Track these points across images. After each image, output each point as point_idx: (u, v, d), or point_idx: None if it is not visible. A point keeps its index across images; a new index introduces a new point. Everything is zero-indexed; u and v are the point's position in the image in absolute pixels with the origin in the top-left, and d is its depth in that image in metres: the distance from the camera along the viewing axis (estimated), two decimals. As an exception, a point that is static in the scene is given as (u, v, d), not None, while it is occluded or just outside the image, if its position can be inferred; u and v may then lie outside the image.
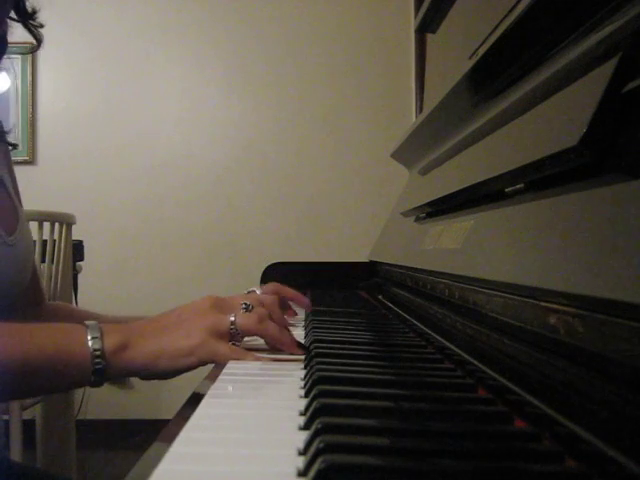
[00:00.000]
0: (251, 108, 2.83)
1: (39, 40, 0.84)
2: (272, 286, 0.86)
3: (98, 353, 0.56)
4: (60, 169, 2.79)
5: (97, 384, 0.57)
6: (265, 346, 0.66)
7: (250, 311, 0.63)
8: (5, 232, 0.72)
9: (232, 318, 0.60)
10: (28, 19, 0.80)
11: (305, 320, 0.88)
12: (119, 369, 0.57)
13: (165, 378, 0.60)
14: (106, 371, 0.56)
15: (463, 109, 0.84)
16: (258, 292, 0.83)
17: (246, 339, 0.68)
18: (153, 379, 0.60)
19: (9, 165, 0.83)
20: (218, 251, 2.78)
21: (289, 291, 0.87)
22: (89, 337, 0.56)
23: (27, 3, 0.78)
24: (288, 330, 0.66)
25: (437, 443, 0.35)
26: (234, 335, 0.61)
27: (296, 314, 0.93)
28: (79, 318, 0.85)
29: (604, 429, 0.31)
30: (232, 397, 0.47)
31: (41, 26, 0.81)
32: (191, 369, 0.59)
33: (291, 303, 0.92)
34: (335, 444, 0.32)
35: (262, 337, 0.64)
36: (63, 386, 0.59)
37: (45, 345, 0.56)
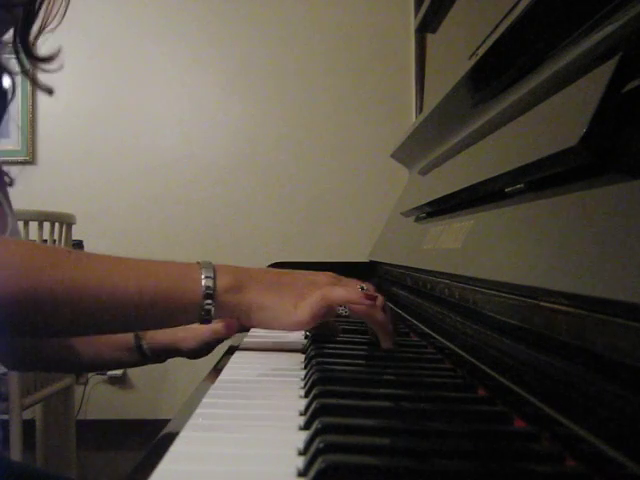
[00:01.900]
0: (252, 108, 2.82)
1: (50, 91, 0.83)
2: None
3: (210, 292, 0.55)
4: (60, 169, 2.78)
5: (206, 322, 0.56)
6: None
7: (366, 291, 0.62)
8: None
9: (344, 293, 0.59)
10: (36, 63, 0.77)
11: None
12: (227, 309, 0.56)
13: (265, 328, 0.59)
14: (215, 310, 0.55)
15: (463, 109, 0.84)
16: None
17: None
18: (255, 327, 0.59)
19: None
20: (218, 251, 2.78)
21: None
22: (203, 275, 0.56)
23: (36, 36, 0.74)
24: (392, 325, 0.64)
25: (437, 443, 0.35)
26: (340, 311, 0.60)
27: None
28: None
29: (604, 429, 0.31)
30: (232, 397, 0.47)
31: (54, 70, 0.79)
32: (286, 328, 0.59)
33: None
34: (335, 444, 0.32)
35: (368, 321, 0.62)
36: (172, 322, 0.58)
37: (159, 280, 0.55)
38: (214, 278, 0.56)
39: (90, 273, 0.52)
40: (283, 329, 0.59)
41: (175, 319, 0.58)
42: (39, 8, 0.74)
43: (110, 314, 0.53)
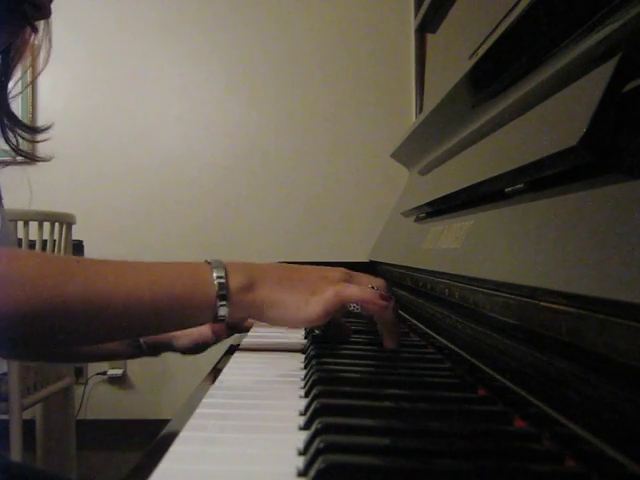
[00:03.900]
0: (251, 108, 2.82)
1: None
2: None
3: (223, 292, 0.55)
4: (60, 169, 2.78)
5: (220, 322, 0.56)
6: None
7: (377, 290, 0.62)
8: None
9: (358, 291, 0.59)
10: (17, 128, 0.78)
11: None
12: (240, 308, 0.56)
13: (277, 325, 0.59)
14: (229, 310, 0.55)
15: (463, 109, 0.84)
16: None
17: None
18: (268, 322, 0.60)
19: None
20: (218, 251, 2.77)
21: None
22: (215, 276, 0.56)
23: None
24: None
25: (437, 443, 0.35)
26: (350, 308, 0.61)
27: None
28: None
29: (604, 429, 0.31)
30: (232, 397, 0.47)
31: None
32: (299, 325, 0.59)
33: None
34: (335, 444, 0.32)
35: (378, 320, 0.62)
36: (187, 324, 0.59)
37: (172, 284, 0.55)
38: (226, 278, 0.56)
39: (103, 282, 0.52)
40: (295, 325, 0.59)
41: (190, 321, 0.58)
42: (13, 66, 0.75)
43: (125, 321, 0.53)
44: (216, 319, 0.56)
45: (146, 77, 2.83)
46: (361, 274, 0.64)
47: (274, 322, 0.59)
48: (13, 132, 0.77)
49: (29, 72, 0.77)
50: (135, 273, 0.54)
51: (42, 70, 0.77)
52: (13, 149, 0.79)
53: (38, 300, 0.48)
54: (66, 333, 0.52)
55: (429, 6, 1.21)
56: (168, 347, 0.80)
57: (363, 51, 2.82)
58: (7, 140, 0.78)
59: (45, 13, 0.69)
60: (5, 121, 0.76)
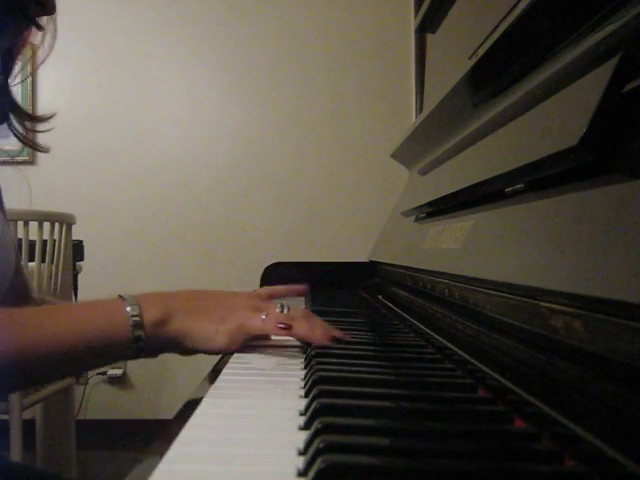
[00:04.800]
0: (251, 108, 2.82)
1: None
2: (264, 291, 0.86)
3: (138, 328, 0.57)
4: (60, 169, 2.78)
5: (134, 358, 0.59)
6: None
7: (288, 312, 0.64)
8: None
9: (263, 316, 0.62)
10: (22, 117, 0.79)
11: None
12: (156, 342, 0.59)
13: (191, 354, 0.63)
14: (145, 345, 0.58)
15: (463, 109, 0.84)
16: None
17: None
18: (183, 354, 0.63)
19: None
20: (218, 251, 2.78)
21: (280, 289, 0.86)
22: (129, 312, 0.57)
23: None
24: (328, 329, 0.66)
25: (437, 443, 0.35)
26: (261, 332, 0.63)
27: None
28: None
29: (604, 429, 0.31)
30: (232, 397, 0.47)
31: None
32: (213, 353, 0.62)
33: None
34: (335, 444, 0.32)
35: (295, 338, 0.66)
36: (111, 359, 0.62)
37: (89, 324, 0.57)
38: (140, 313, 0.58)
39: (23, 332, 0.55)
40: (209, 353, 0.62)
41: (112, 358, 0.61)
42: (16, 54, 0.75)
43: (55, 363, 0.56)
44: (137, 352, 0.58)
45: (147, 77, 2.83)
46: (270, 303, 0.67)
47: (191, 351, 0.62)
48: (19, 122, 0.78)
49: (31, 61, 0.77)
50: (55, 320, 0.57)
51: (46, 58, 0.78)
52: (20, 139, 0.80)
53: None
54: (6, 381, 0.57)
55: (429, 6, 1.22)
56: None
57: (363, 51, 2.82)
58: (12, 129, 0.78)
59: (49, 10, 0.69)
60: (10, 111, 0.76)
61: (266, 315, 0.62)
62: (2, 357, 0.53)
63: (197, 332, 0.60)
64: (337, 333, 0.66)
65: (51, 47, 0.77)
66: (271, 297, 0.83)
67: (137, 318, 0.57)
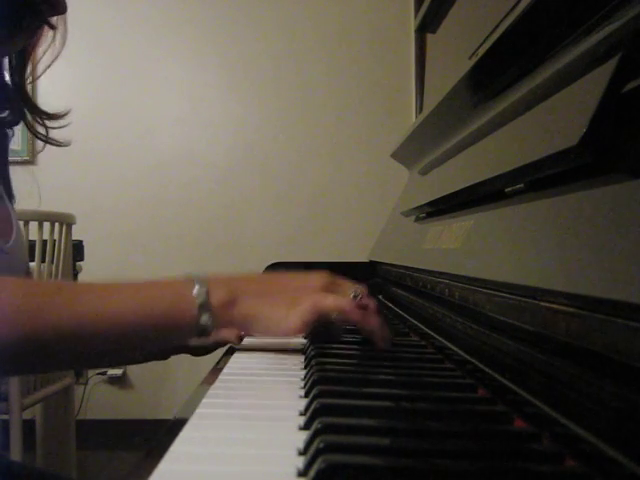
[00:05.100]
0: (251, 108, 2.82)
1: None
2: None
3: (206, 309, 0.55)
4: (60, 169, 2.78)
5: (204, 337, 0.56)
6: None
7: (359, 298, 0.62)
8: (2, 240, 0.72)
9: (335, 302, 0.59)
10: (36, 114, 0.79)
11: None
12: (223, 323, 0.57)
13: (263, 335, 0.60)
14: (212, 326, 0.56)
15: (463, 109, 0.84)
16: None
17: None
18: (253, 334, 0.60)
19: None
20: (218, 251, 2.78)
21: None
22: (197, 292, 0.55)
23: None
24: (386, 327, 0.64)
25: (437, 443, 0.35)
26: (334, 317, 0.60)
27: None
28: None
29: (604, 429, 0.31)
30: (232, 397, 0.47)
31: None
32: (283, 337, 0.60)
33: None
34: (335, 444, 0.32)
35: (360, 327, 0.62)
36: (172, 342, 0.60)
37: (155, 304, 0.55)
38: (208, 294, 0.56)
39: (86, 307, 0.52)
40: (278, 337, 0.61)
41: (174, 339, 0.59)
42: (29, 53, 0.76)
43: (111, 344, 0.54)
44: (200, 335, 0.56)
45: (147, 77, 2.83)
46: (343, 281, 0.64)
47: (257, 334, 0.61)
48: (35, 120, 0.78)
49: (48, 54, 0.78)
50: (118, 294, 0.55)
51: (58, 55, 0.78)
52: (39, 137, 0.81)
53: (25, 328, 0.49)
54: (55, 358, 0.54)
55: (429, 6, 1.22)
56: (183, 348, 0.79)
57: (363, 51, 2.82)
58: (30, 128, 0.79)
59: (60, 9, 0.70)
60: (27, 109, 0.77)
61: (339, 297, 0.59)
62: (56, 330, 0.50)
63: (267, 315, 0.58)
64: (388, 338, 0.63)
65: (62, 45, 0.77)
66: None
67: (204, 297, 0.55)
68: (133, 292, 0.56)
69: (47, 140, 0.83)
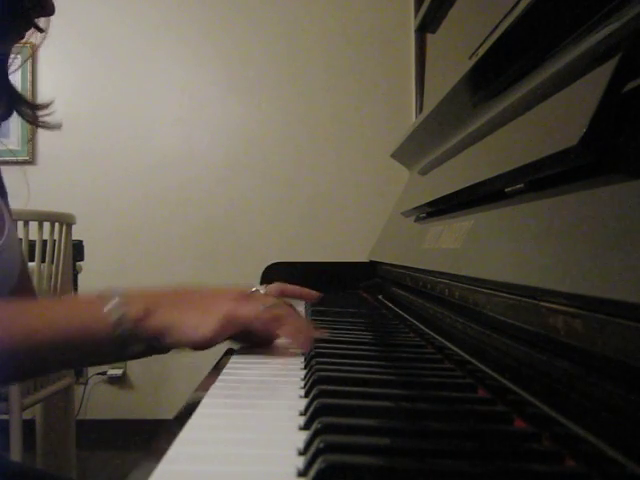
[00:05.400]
0: (251, 108, 2.82)
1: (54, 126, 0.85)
2: (276, 286, 0.85)
3: (122, 323, 0.56)
4: (60, 169, 2.78)
5: (120, 354, 0.58)
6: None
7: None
8: None
9: (250, 307, 0.61)
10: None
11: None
12: (141, 337, 0.58)
13: (177, 348, 0.61)
14: (128, 340, 0.57)
15: (463, 109, 0.84)
16: (262, 291, 0.82)
17: None
18: (169, 348, 0.61)
19: None
20: (218, 251, 2.78)
21: (293, 288, 0.86)
22: (112, 307, 0.57)
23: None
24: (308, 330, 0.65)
25: (437, 443, 0.35)
26: (246, 327, 0.62)
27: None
28: None
29: (604, 429, 0.31)
30: (232, 397, 0.47)
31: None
32: (200, 347, 0.60)
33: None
34: (335, 444, 0.32)
35: (279, 333, 0.64)
36: (91, 357, 0.61)
37: (71, 319, 0.57)
38: (124, 308, 0.57)
39: (11, 327, 0.55)
40: (193, 346, 0.60)
41: (93, 354, 0.61)
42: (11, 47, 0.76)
43: (32, 359, 0.56)
44: (119, 349, 0.57)
45: (147, 77, 2.83)
46: (257, 295, 0.66)
47: (174, 345, 0.60)
48: (22, 109, 0.79)
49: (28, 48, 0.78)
50: (34, 314, 0.57)
51: (41, 44, 0.79)
52: (30, 122, 0.81)
53: None
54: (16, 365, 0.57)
55: (429, 6, 1.22)
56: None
57: (363, 51, 2.82)
58: (22, 115, 0.79)
59: (49, 11, 0.70)
60: (13, 100, 0.77)
61: (252, 308, 0.61)
62: (9, 340, 0.53)
63: (180, 324, 0.58)
64: (318, 333, 0.66)
65: (45, 35, 0.78)
66: (282, 294, 0.83)
67: (119, 312, 0.56)
68: (51, 310, 0.59)
69: (38, 124, 0.83)
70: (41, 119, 0.83)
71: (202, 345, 0.60)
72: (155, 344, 0.60)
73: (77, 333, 0.56)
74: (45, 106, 0.84)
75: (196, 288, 0.64)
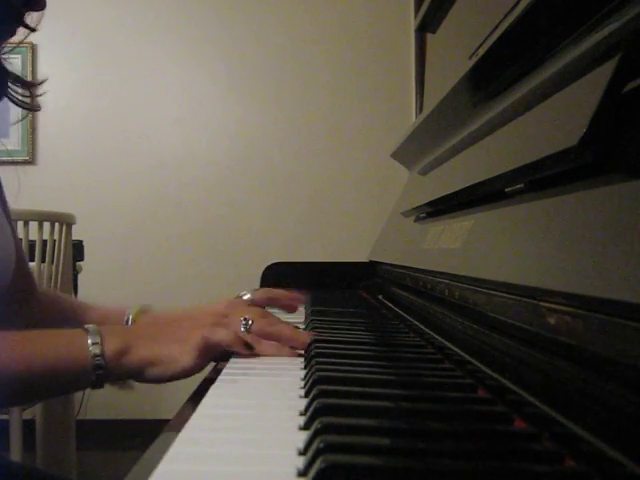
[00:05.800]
0: (251, 108, 2.82)
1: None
2: (263, 292, 0.86)
3: (99, 360, 0.56)
4: (60, 169, 2.78)
5: (97, 387, 0.58)
6: None
7: (250, 327, 0.64)
8: None
9: (227, 331, 0.61)
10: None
11: (305, 320, 0.88)
12: (118, 373, 0.58)
13: (160, 382, 0.61)
14: (106, 375, 0.57)
15: (463, 109, 0.84)
16: (249, 296, 0.83)
17: None
18: (151, 382, 0.61)
19: None
20: (218, 251, 2.78)
21: (282, 294, 0.87)
22: (90, 342, 0.56)
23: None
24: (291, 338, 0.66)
25: (437, 443, 0.35)
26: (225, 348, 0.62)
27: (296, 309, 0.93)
28: (70, 309, 0.85)
29: (604, 429, 0.31)
30: (232, 397, 0.47)
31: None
32: (181, 377, 0.60)
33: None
34: (335, 444, 0.32)
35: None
36: (64, 390, 0.61)
37: (46, 353, 0.56)
38: (101, 344, 0.57)
39: (6, 351, 0.55)
40: (176, 378, 0.60)
41: (67, 387, 0.61)
42: None
43: (5, 391, 0.56)
44: (94, 385, 0.57)
45: (147, 77, 2.83)
46: (238, 309, 0.67)
47: (155, 381, 0.59)
48: (17, 89, 0.78)
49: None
50: (10, 342, 0.57)
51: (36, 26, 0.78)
52: (17, 104, 0.80)
53: None
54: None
55: (429, 6, 1.22)
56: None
57: (363, 51, 2.82)
58: (11, 96, 0.79)
59: (39, 6, 0.69)
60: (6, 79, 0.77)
61: (229, 331, 0.61)
62: None
63: (160, 357, 0.58)
64: (307, 336, 0.66)
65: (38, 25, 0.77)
66: (269, 299, 0.83)
67: (97, 348, 0.56)
68: (28, 342, 0.58)
69: (24, 106, 0.82)
70: (30, 100, 0.82)
71: (184, 376, 0.60)
72: (136, 379, 0.60)
73: (53, 366, 0.56)
74: (38, 84, 0.83)
75: (172, 318, 0.64)
